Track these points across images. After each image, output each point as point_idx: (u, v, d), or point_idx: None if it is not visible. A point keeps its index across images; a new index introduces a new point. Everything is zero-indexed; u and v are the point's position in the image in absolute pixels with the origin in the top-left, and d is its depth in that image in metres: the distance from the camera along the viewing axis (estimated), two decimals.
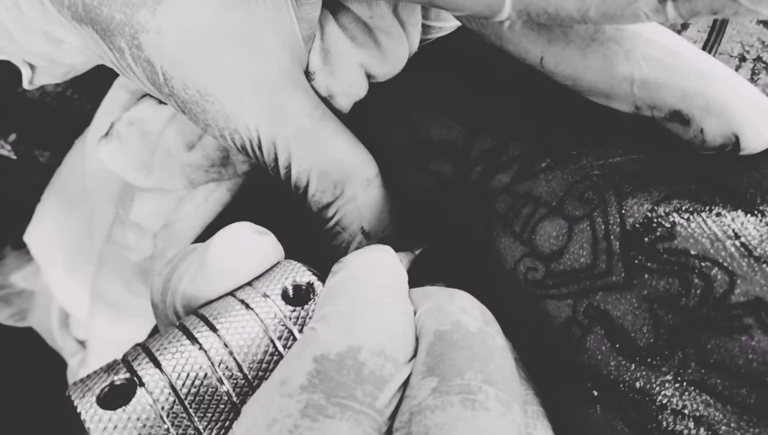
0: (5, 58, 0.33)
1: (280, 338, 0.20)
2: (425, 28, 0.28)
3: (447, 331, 0.18)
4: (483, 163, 0.25)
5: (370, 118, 0.30)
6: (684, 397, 0.19)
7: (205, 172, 0.32)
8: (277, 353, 0.20)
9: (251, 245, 0.22)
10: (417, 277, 0.24)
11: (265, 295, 0.21)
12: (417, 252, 0.27)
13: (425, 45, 0.28)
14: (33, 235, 0.41)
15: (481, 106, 0.26)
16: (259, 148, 0.26)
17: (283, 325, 0.21)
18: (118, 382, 0.19)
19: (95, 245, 0.40)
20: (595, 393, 0.21)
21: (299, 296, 0.22)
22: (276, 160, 0.27)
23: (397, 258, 0.23)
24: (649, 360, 0.19)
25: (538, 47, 0.22)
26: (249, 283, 0.22)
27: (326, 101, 0.28)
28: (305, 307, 0.21)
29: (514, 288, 0.23)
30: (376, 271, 0.21)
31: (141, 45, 0.25)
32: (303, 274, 0.22)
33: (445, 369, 0.17)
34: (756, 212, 0.19)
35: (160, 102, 0.32)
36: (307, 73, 0.27)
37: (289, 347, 0.20)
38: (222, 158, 0.32)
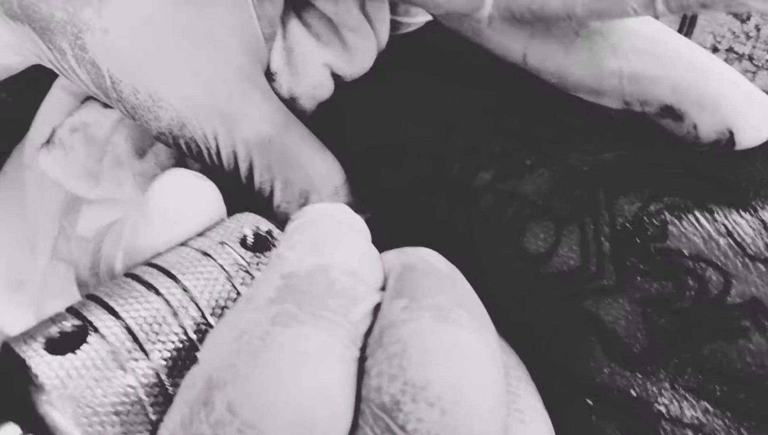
0: None
1: (242, 284, 0.20)
2: (393, 24, 0.28)
3: (415, 264, 0.18)
4: (462, 160, 0.25)
5: (338, 119, 0.29)
6: (682, 404, 0.19)
7: None
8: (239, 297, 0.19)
9: (195, 189, 0.22)
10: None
11: (223, 243, 0.21)
12: (367, 215, 0.27)
13: (393, 38, 0.28)
14: None
15: (456, 100, 0.26)
16: (218, 156, 0.26)
17: (245, 271, 0.20)
18: (67, 330, 0.18)
19: (39, 262, 0.38)
20: (590, 402, 0.20)
21: (259, 244, 0.21)
22: (237, 168, 0.26)
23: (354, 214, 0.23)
24: (644, 366, 0.19)
25: (519, 44, 0.22)
26: (201, 234, 0.22)
27: (288, 103, 0.27)
28: (266, 253, 0.21)
29: (500, 290, 0.23)
30: (338, 214, 0.21)
31: (85, 46, 0.24)
32: (261, 223, 0.22)
33: (415, 291, 0.17)
34: (749, 208, 0.19)
35: (106, 105, 0.30)
36: (268, 74, 0.27)
37: None
38: (176, 165, 0.31)
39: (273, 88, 0.27)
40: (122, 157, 0.31)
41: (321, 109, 0.29)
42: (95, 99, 0.32)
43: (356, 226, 0.21)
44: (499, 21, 0.22)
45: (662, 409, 0.19)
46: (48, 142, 0.30)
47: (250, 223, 0.22)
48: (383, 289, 0.18)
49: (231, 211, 0.24)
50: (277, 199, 0.26)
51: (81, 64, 0.25)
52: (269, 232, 0.22)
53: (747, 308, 0.18)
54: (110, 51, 0.24)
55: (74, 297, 0.38)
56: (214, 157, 0.26)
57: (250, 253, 0.21)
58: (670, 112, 0.21)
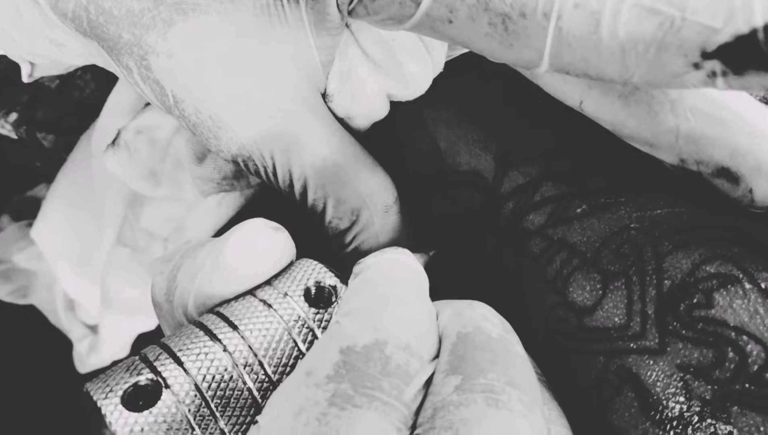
0: (3, 54, 0.33)
1: (304, 341, 0.21)
2: (451, 47, 0.28)
3: (469, 334, 0.20)
4: (515, 199, 0.26)
5: (394, 138, 0.30)
6: None
7: (216, 185, 0.33)
8: (301, 355, 0.21)
9: (268, 243, 0.23)
10: (430, 279, 0.25)
11: (287, 295, 0.22)
12: (431, 253, 0.28)
13: (451, 60, 0.28)
14: (40, 231, 0.43)
15: (512, 134, 0.27)
16: (274, 175, 0.27)
17: (307, 328, 0.22)
18: (142, 383, 0.20)
19: (105, 244, 0.42)
20: None
21: (321, 297, 0.23)
22: (291, 186, 0.27)
23: (416, 260, 0.24)
24: (678, 430, 0.20)
25: (577, 92, 0.22)
26: (268, 282, 0.23)
27: (343, 122, 0.28)
28: (329, 309, 0.22)
29: (543, 335, 0.24)
30: (398, 271, 0.22)
31: (150, 66, 0.26)
32: (325, 275, 0.23)
33: (468, 368, 0.18)
34: None
35: None
36: (325, 96, 0.27)
37: None
38: (234, 171, 0.33)
39: (329, 108, 0.28)
40: (182, 160, 0.32)
41: (377, 128, 0.30)
42: None
43: (413, 282, 0.22)
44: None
45: None
46: (113, 143, 0.32)
47: (315, 275, 0.23)
48: (437, 355, 0.20)
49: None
50: (329, 215, 0.28)
51: (146, 82, 0.27)
52: (333, 287, 0.23)
53: None
54: (174, 73, 0.26)
55: (136, 277, 0.41)
56: (271, 175, 0.27)
57: (313, 310, 0.22)
58: (725, 174, 0.21)
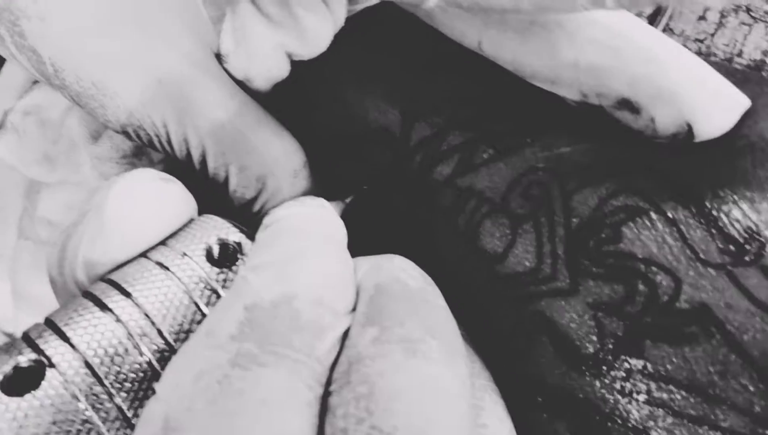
0: None
1: (207, 304, 0.20)
2: (351, 0, 0.27)
3: (388, 284, 0.19)
4: (422, 152, 0.25)
5: (299, 100, 0.29)
6: (628, 406, 0.20)
7: (116, 164, 0.31)
8: (204, 318, 0.19)
9: (156, 195, 0.21)
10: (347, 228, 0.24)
11: (185, 255, 0.21)
12: (347, 201, 0.28)
13: (352, 16, 0.27)
14: None
15: (417, 87, 0.26)
16: (169, 143, 0.26)
17: (210, 289, 0.20)
18: (23, 364, 0.18)
19: (9, 238, 0.39)
20: (540, 400, 0.21)
21: (225, 256, 0.21)
22: (189, 154, 0.26)
23: (333, 210, 0.23)
24: (594, 369, 0.20)
25: (474, 30, 0.22)
26: (163, 243, 0.22)
27: (242, 84, 0.27)
28: (233, 268, 0.21)
29: (459, 288, 0.24)
30: (312, 222, 0.21)
31: (23, 33, 0.24)
32: (228, 231, 0.22)
33: (385, 319, 0.18)
34: (704, 210, 0.19)
35: None
36: (219, 56, 0.26)
37: None
38: (134, 148, 0.31)
39: (225, 71, 0.27)
40: (77, 140, 0.31)
41: (280, 89, 0.28)
42: None
43: (329, 233, 0.21)
44: (450, 8, 0.21)
45: (608, 410, 0.20)
46: (0, 126, 0.30)
47: (218, 232, 0.22)
48: (354, 308, 0.19)
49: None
50: (233, 185, 0.26)
51: (21, 51, 0.25)
52: (238, 244, 0.21)
53: (696, 314, 0.19)
54: (49, 39, 0.24)
55: (41, 276, 0.39)
56: (165, 144, 0.26)
57: (216, 270, 0.20)
58: (626, 104, 0.21)
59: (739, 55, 0.32)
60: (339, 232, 0.22)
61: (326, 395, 0.17)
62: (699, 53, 0.29)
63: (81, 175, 0.31)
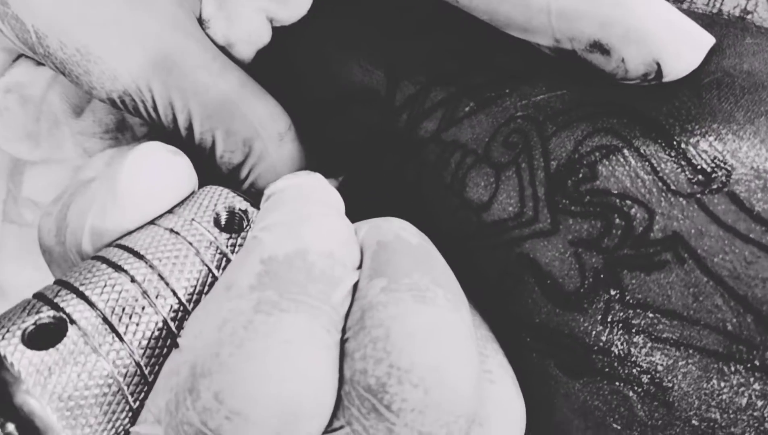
0: None
1: (218, 268, 0.21)
2: None
3: (390, 241, 0.21)
4: (407, 110, 0.27)
5: (282, 66, 0.31)
6: (611, 337, 0.22)
7: (99, 140, 0.33)
8: (215, 281, 0.21)
9: (167, 166, 0.23)
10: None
11: (194, 221, 0.22)
12: (340, 179, 0.29)
13: None
14: None
15: (399, 46, 0.28)
16: (154, 109, 0.27)
17: (220, 253, 0.22)
18: (44, 321, 0.19)
19: None
20: (528, 340, 0.23)
21: (232, 223, 0.23)
22: (175, 120, 0.27)
23: (327, 182, 0.25)
24: (576, 304, 0.22)
25: None
26: (170, 211, 0.23)
27: (224, 51, 0.29)
28: (242, 234, 0.23)
29: (450, 240, 0.26)
30: (312, 190, 0.23)
31: (7, 1, 0.26)
32: (234, 200, 0.24)
33: (392, 271, 0.20)
34: (673, 144, 0.21)
35: (40, 62, 0.32)
36: (201, 21, 0.28)
37: None
38: (117, 122, 0.33)
39: (208, 36, 0.28)
40: (59, 116, 0.32)
41: (264, 56, 0.30)
42: (26, 56, 0.34)
43: (329, 201, 0.23)
44: None
45: (591, 343, 0.22)
46: None
47: (224, 201, 0.23)
48: (359, 266, 0.21)
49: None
50: (220, 149, 0.28)
51: (4, 20, 0.26)
52: (244, 212, 0.23)
53: (668, 242, 0.21)
54: (33, 6, 0.26)
55: (30, 259, 0.40)
56: (151, 110, 0.27)
57: (225, 235, 0.22)
58: (598, 47, 0.23)
59: (719, 14, 0.34)
60: (337, 199, 0.24)
61: (342, 342, 0.19)
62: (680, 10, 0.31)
63: (64, 153, 0.33)
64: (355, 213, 0.24)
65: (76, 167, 0.35)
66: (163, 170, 0.23)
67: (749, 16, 0.33)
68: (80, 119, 0.32)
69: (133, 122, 0.33)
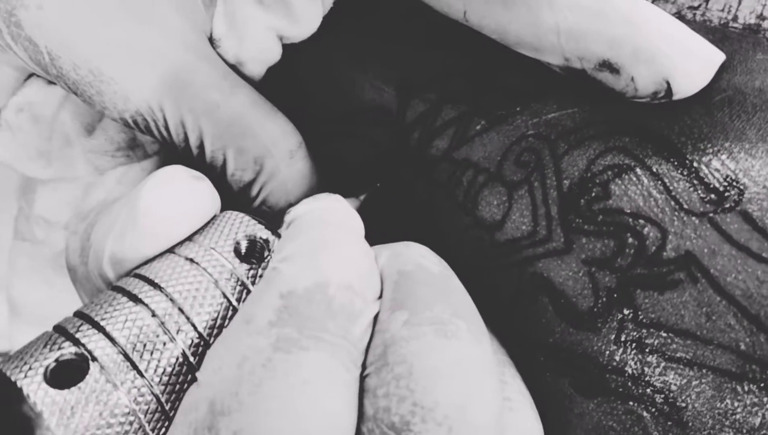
0: None
1: (238, 300, 0.22)
2: None
3: (410, 271, 0.22)
4: (419, 128, 0.28)
5: (292, 83, 0.32)
6: (625, 356, 0.22)
7: (111, 158, 0.33)
8: (235, 313, 0.21)
9: (188, 192, 0.24)
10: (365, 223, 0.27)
11: (214, 250, 0.22)
12: (361, 198, 0.30)
13: None
14: None
15: (409, 63, 0.29)
16: (166, 128, 0.28)
17: (240, 284, 0.22)
18: (66, 357, 0.19)
19: (4, 241, 0.42)
20: (542, 359, 0.24)
21: (253, 252, 0.23)
22: (186, 139, 0.28)
23: (348, 204, 0.25)
24: (590, 324, 0.23)
25: (459, 1, 0.24)
26: (190, 238, 0.23)
27: (235, 69, 0.29)
28: (262, 265, 0.23)
29: (463, 260, 0.26)
30: (331, 215, 0.24)
31: (20, 23, 0.27)
32: (255, 228, 0.24)
33: (413, 303, 0.20)
34: (685, 162, 0.22)
35: (51, 81, 0.33)
36: (212, 40, 0.29)
37: None
38: (128, 140, 0.33)
39: (219, 55, 0.29)
40: (71, 134, 0.33)
41: (274, 74, 0.31)
42: (38, 75, 0.35)
43: (350, 225, 0.24)
44: None
45: (605, 362, 0.22)
46: None
47: (244, 228, 0.24)
48: (380, 295, 0.21)
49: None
50: (231, 168, 0.29)
51: (17, 42, 0.27)
52: (265, 241, 0.23)
53: (681, 262, 0.22)
54: (46, 27, 0.27)
55: (41, 277, 0.41)
56: (162, 130, 0.28)
57: (245, 266, 0.22)
58: (607, 66, 0.23)
59: (734, 20, 0.34)
60: (357, 223, 0.24)
61: (362, 378, 0.19)
62: (694, 21, 0.31)
63: (76, 171, 0.34)
64: (375, 230, 0.25)
65: (88, 185, 0.36)
66: (185, 197, 0.23)
67: (765, 22, 0.33)
68: (92, 137, 0.33)
69: (145, 140, 0.34)
